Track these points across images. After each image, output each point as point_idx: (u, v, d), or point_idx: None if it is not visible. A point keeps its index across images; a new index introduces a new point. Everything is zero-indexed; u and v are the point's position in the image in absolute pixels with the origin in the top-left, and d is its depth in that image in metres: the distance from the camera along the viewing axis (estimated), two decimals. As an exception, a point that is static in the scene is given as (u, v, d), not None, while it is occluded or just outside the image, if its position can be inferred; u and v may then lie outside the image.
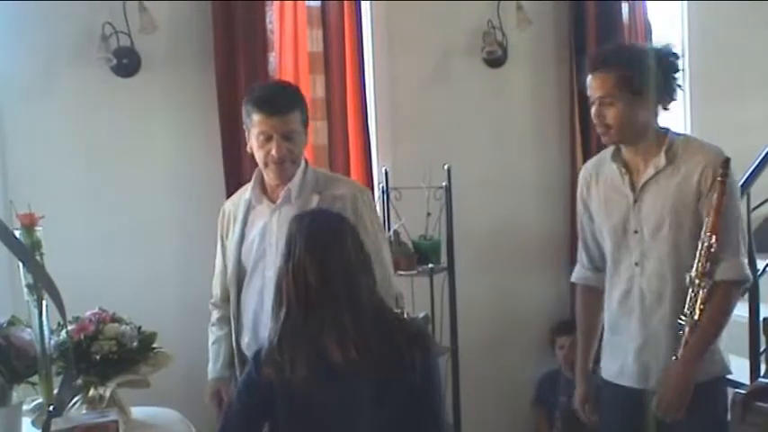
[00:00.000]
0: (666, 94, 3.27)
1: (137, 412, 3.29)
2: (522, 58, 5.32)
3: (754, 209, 4.41)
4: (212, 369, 3.70)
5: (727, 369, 3.39)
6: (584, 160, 5.20)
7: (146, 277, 4.59)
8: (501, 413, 5.35)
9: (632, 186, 3.33)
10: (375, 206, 3.70)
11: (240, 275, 3.59)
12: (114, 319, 3.19)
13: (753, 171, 4.38)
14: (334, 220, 2.90)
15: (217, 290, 3.76)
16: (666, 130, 3.31)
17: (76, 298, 2.94)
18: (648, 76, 3.17)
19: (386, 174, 4.80)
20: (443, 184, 4.69)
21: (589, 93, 3.28)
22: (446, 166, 4.69)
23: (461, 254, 4.81)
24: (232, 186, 4.51)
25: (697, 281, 3.15)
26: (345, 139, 4.79)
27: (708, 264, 3.14)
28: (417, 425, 2.72)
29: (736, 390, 4.16)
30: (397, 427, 2.69)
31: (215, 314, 3.76)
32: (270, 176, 3.49)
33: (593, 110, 3.27)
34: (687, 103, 5.65)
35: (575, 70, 5.23)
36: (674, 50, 3.31)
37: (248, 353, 3.58)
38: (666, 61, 3.26)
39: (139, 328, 3.24)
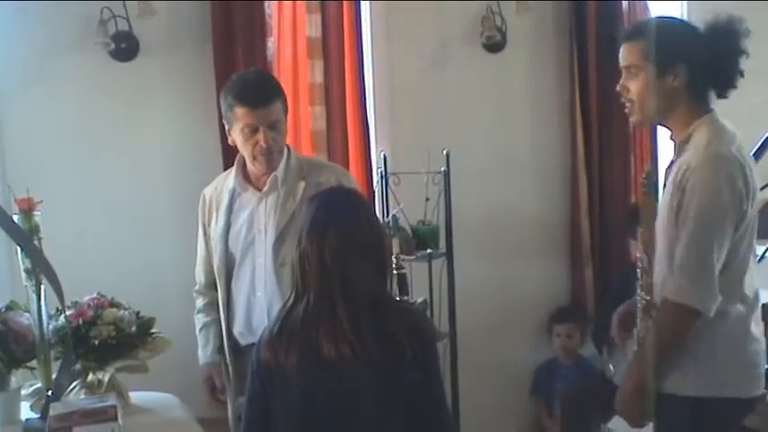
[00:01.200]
0: (720, 78, 2.99)
1: (135, 397, 3.29)
2: (521, 43, 5.31)
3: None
4: (203, 355, 3.74)
5: (742, 390, 3.03)
6: (585, 145, 5.23)
7: (144, 262, 4.60)
8: (500, 399, 5.35)
9: None
10: (356, 187, 3.69)
11: (229, 263, 3.61)
12: (113, 304, 3.19)
13: (752, 156, 4.37)
14: (342, 201, 2.78)
15: (201, 277, 3.79)
16: (707, 114, 2.98)
17: (75, 283, 2.95)
18: (683, 51, 2.94)
19: (384, 159, 4.80)
20: (442, 169, 4.69)
21: (620, 64, 3.07)
22: (445, 152, 4.68)
23: (460, 239, 4.81)
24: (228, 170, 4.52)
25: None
26: (344, 125, 4.79)
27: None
28: (419, 419, 2.66)
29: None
30: (397, 422, 2.63)
31: (200, 301, 3.80)
32: (258, 167, 3.51)
33: (619, 83, 3.07)
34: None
35: (575, 55, 5.22)
36: (735, 27, 2.96)
37: (242, 341, 3.58)
38: (722, 39, 2.95)
39: (138, 313, 3.23)
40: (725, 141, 2.89)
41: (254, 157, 3.46)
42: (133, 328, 3.16)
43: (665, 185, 3.02)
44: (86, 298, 3.18)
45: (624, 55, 3.03)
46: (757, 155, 4.37)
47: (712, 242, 2.83)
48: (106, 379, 3.12)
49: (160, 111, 4.65)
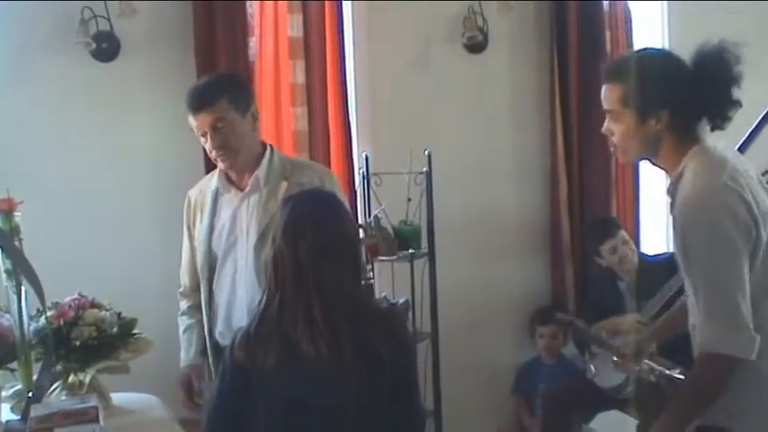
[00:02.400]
0: (710, 111, 2.79)
1: (117, 398, 3.29)
2: (502, 43, 5.32)
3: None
4: (185, 357, 3.72)
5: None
6: (565, 146, 5.25)
7: (125, 263, 4.58)
8: (481, 398, 5.36)
9: None
10: (341, 190, 3.71)
11: (211, 264, 3.61)
12: (94, 305, 3.19)
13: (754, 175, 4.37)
14: (316, 203, 2.80)
15: (185, 279, 3.78)
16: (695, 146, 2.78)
17: (56, 284, 2.94)
18: (666, 95, 2.76)
19: (366, 159, 4.80)
20: (424, 169, 4.69)
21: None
22: (427, 152, 4.69)
23: (442, 239, 4.82)
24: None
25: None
26: (325, 125, 4.78)
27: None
28: (394, 418, 2.70)
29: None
30: (377, 420, 2.67)
31: (184, 303, 3.79)
32: (223, 168, 3.53)
33: (604, 126, 2.91)
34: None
35: (555, 55, 5.24)
36: (725, 56, 2.76)
37: (222, 342, 3.58)
38: (711, 71, 2.76)
39: (119, 313, 3.23)
40: (715, 173, 2.70)
41: (216, 159, 3.49)
42: (114, 329, 3.16)
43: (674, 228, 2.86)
44: (67, 299, 3.18)
45: (604, 97, 2.87)
46: (741, 149, 4.39)
47: (731, 281, 2.61)
48: (87, 380, 3.12)
49: (141, 111, 4.64)
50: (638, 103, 2.77)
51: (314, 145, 4.78)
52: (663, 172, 2.91)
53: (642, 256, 4.97)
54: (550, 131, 5.32)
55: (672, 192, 2.82)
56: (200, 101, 3.41)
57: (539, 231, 5.47)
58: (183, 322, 3.76)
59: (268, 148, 3.58)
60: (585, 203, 5.33)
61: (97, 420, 2.76)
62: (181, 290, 3.80)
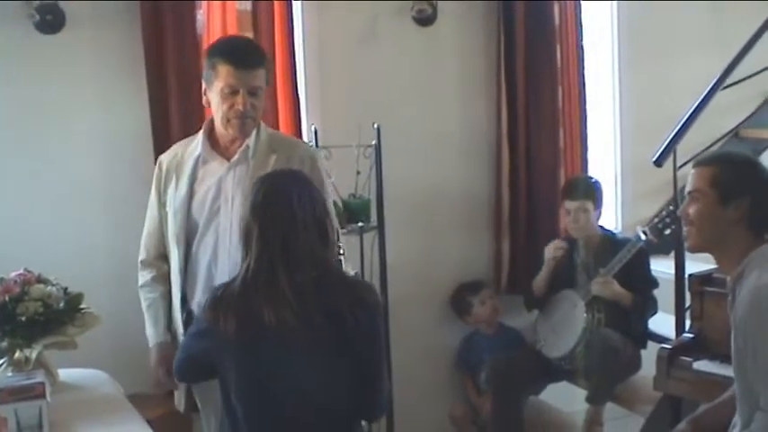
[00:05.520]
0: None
1: (64, 374, 3.27)
2: (451, 16, 5.30)
3: (681, 166, 4.49)
4: (154, 333, 3.60)
5: None
6: (509, 119, 5.25)
7: (72, 237, 4.54)
8: (429, 371, 5.37)
9: None
10: (325, 170, 3.69)
11: (189, 232, 3.51)
12: (40, 280, 3.16)
13: (679, 130, 4.45)
14: (286, 181, 2.91)
15: (148, 248, 3.66)
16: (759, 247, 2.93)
17: (0, 258, 2.91)
18: (751, 184, 2.95)
19: (315, 132, 4.78)
20: (373, 142, 4.69)
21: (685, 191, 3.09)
22: (376, 125, 4.69)
23: (391, 212, 4.83)
24: (160, 144, 4.47)
25: None
26: (274, 98, 4.75)
27: None
28: (358, 387, 2.80)
29: (662, 345, 4.26)
30: (341, 388, 2.78)
31: (146, 273, 3.65)
32: (229, 131, 3.44)
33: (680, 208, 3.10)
34: (615, 66, 5.71)
35: (503, 28, 5.23)
36: None
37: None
38: None
39: (66, 288, 3.21)
40: None
41: (228, 120, 3.40)
42: (61, 305, 3.14)
43: (732, 325, 2.95)
44: (13, 274, 3.15)
45: (692, 179, 3.02)
46: (685, 125, 4.45)
47: None
48: (34, 356, 3.10)
49: (87, 84, 4.58)
50: (725, 184, 2.92)
51: (263, 118, 4.70)
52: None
53: (606, 233, 4.98)
54: (496, 105, 5.32)
55: (732, 289, 2.94)
56: (248, 59, 3.36)
57: (483, 205, 5.47)
58: (146, 295, 3.63)
59: (260, 122, 3.54)
60: (532, 178, 5.34)
61: (44, 396, 2.75)
62: (142, 258, 3.67)
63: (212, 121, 3.53)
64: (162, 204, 3.59)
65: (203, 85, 3.49)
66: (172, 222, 3.54)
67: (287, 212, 2.77)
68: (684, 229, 3.07)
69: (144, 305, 3.64)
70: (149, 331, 3.61)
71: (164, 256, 3.62)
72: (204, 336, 2.83)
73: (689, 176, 3.05)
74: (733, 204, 2.92)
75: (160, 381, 3.59)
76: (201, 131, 3.56)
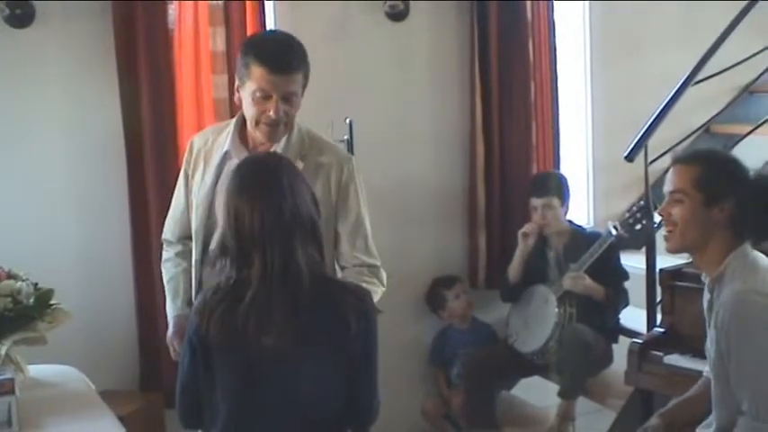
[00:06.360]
0: (758, 228, 2.93)
1: (34, 370, 3.26)
2: (424, 12, 5.31)
3: (652, 162, 4.51)
4: (173, 306, 3.46)
5: None
6: (483, 113, 5.26)
7: (42, 233, 4.50)
8: (402, 366, 5.36)
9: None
10: (360, 176, 3.46)
11: (209, 227, 3.33)
12: (10, 276, 3.15)
13: (650, 125, 4.47)
14: (265, 175, 2.67)
15: (174, 228, 3.51)
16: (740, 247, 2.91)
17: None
18: (735, 185, 2.89)
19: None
20: (345, 137, 4.68)
21: (664, 188, 3.01)
22: (348, 120, 4.68)
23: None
24: (131, 139, 4.46)
25: None
26: (247, 93, 4.73)
27: None
28: (351, 395, 2.70)
29: (633, 339, 4.28)
30: (328, 396, 2.67)
31: (172, 249, 3.52)
32: (258, 135, 3.26)
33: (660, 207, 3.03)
34: (588, 63, 5.74)
35: (475, 24, 5.24)
36: None
37: None
38: None
39: (36, 284, 3.19)
40: (759, 279, 2.84)
41: (257, 123, 3.20)
42: (31, 300, 3.12)
43: (708, 325, 2.96)
44: (-18, 270, 3.13)
45: (673, 178, 2.95)
46: (656, 121, 4.48)
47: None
48: (3, 352, 3.08)
49: (57, 78, 4.55)
50: (709, 186, 2.87)
51: (234, 113, 4.68)
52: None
53: (576, 228, 5.00)
54: (470, 100, 5.33)
55: (711, 289, 2.93)
56: (285, 64, 3.13)
57: (458, 200, 5.47)
58: (169, 269, 3.50)
59: (296, 124, 3.33)
60: (505, 172, 5.35)
61: (13, 392, 2.74)
62: (165, 236, 3.54)
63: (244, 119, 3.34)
64: (189, 189, 3.41)
65: (235, 81, 3.27)
66: (194, 214, 3.36)
67: (272, 217, 2.56)
68: (666, 230, 3.00)
69: (165, 278, 3.51)
70: (169, 305, 3.48)
71: (189, 237, 3.45)
72: (193, 337, 2.64)
73: (669, 174, 2.98)
74: (718, 206, 2.87)
75: (176, 351, 3.37)
76: (233, 122, 3.37)
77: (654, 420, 3.24)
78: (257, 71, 3.11)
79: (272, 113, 3.14)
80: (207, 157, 3.36)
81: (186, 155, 3.45)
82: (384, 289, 3.48)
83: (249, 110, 3.20)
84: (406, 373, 5.37)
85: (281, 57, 3.13)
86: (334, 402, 2.67)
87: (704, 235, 2.91)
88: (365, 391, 2.74)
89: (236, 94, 3.26)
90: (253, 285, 2.55)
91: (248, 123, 3.27)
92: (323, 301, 2.60)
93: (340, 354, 2.64)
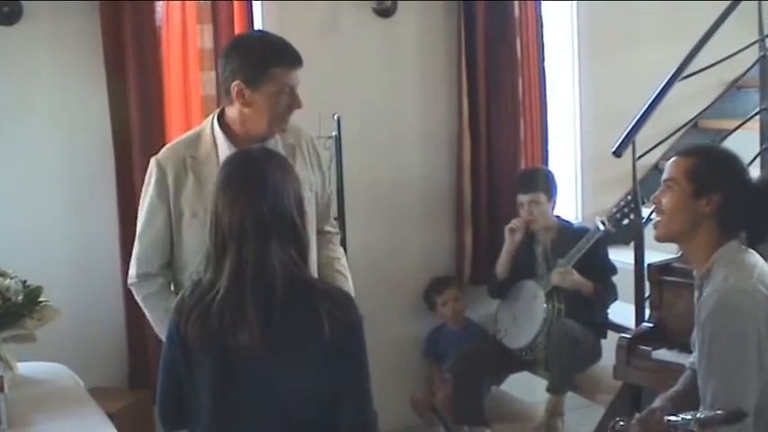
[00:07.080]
0: (754, 228, 2.95)
1: (23, 367, 3.25)
2: (411, 8, 5.31)
3: (640, 157, 4.53)
4: None
5: None
6: (470, 111, 5.27)
7: (32, 230, 4.50)
8: (392, 363, 5.37)
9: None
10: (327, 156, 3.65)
11: None
12: (-2, 273, 3.14)
13: (638, 121, 4.49)
14: (250, 173, 2.58)
15: (154, 258, 3.31)
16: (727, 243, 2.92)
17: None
18: (726, 181, 2.90)
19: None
20: (333, 133, 4.69)
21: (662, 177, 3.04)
22: (336, 116, 4.69)
23: (351, 204, 4.83)
24: (118, 136, 4.45)
25: None
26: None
27: None
28: (340, 404, 2.61)
29: (621, 334, 4.30)
30: (306, 400, 2.59)
31: (154, 283, 3.31)
32: (279, 127, 3.29)
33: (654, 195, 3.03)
34: (575, 59, 5.75)
35: (463, 21, 5.25)
36: None
37: None
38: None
39: (25, 281, 3.18)
40: (744, 275, 2.84)
41: (281, 117, 3.26)
42: (20, 298, 3.12)
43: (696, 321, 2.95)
44: (-30, 267, 3.13)
45: (669, 168, 2.98)
46: (643, 117, 4.49)
47: (738, 385, 2.78)
48: (-8, 349, 3.08)
49: (45, 76, 4.55)
50: (699, 177, 2.89)
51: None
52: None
53: (563, 223, 5.02)
54: (457, 97, 5.33)
55: (700, 285, 2.95)
56: (298, 55, 3.29)
57: (445, 196, 5.48)
58: (159, 304, 3.26)
59: None
60: (494, 169, 5.36)
61: (2, 390, 2.73)
62: (145, 272, 3.31)
63: (224, 121, 3.31)
64: (177, 209, 3.27)
65: (238, 86, 3.19)
66: (200, 230, 3.07)
67: (246, 208, 2.49)
68: (656, 217, 3.04)
69: (159, 315, 3.24)
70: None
71: (168, 264, 3.33)
72: (172, 336, 2.58)
73: (667, 165, 3.02)
74: (705, 198, 2.89)
75: None
76: (209, 127, 3.32)
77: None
78: (278, 71, 3.21)
79: (298, 102, 3.28)
80: (196, 170, 3.26)
81: (155, 177, 3.28)
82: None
83: (272, 108, 3.23)
84: (397, 368, 5.36)
85: (293, 51, 3.30)
86: (319, 404, 2.59)
87: (691, 225, 2.92)
88: (357, 405, 2.64)
89: (241, 99, 3.21)
90: (226, 282, 2.49)
91: (259, 121, 3.24)
92: (298, 303, 2.53)
93: (316, 356, 2.55)
